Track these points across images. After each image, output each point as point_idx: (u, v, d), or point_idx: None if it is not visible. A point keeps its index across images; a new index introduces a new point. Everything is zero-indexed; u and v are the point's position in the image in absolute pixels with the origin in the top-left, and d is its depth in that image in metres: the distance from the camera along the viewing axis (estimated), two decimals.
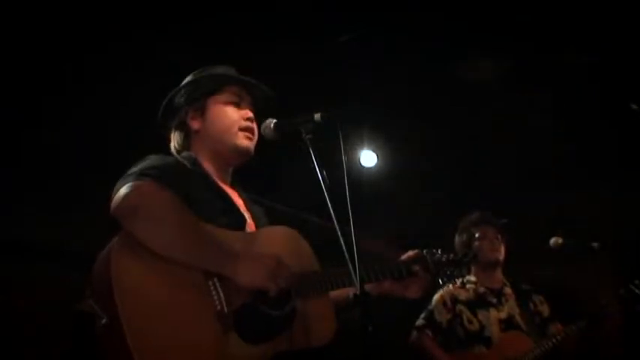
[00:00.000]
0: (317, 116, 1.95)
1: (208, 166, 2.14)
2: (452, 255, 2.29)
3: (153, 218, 1.73)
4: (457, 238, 3.73)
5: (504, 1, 3.99)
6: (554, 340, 3.25)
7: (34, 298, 4.40)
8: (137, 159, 1.99)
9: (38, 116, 4.31)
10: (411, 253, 2.23)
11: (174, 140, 2.22)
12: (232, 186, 2.22)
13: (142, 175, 1.83)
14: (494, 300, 3.53)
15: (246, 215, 2.11)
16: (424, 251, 2.25)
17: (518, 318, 3.47)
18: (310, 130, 1.94)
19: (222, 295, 1.75)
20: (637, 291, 3.18)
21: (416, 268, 2.18)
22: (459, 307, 3.51)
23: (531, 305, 3.56)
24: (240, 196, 2.21)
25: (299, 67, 4.35)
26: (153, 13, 3.83)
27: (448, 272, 2.27)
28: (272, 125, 2.08)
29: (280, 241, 1.98)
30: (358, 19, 4.14)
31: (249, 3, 3.90)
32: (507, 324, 3.44)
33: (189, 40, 4.05)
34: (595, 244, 3.42)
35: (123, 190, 1.76)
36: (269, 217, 2.26)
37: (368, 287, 2.08)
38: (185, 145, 2.20)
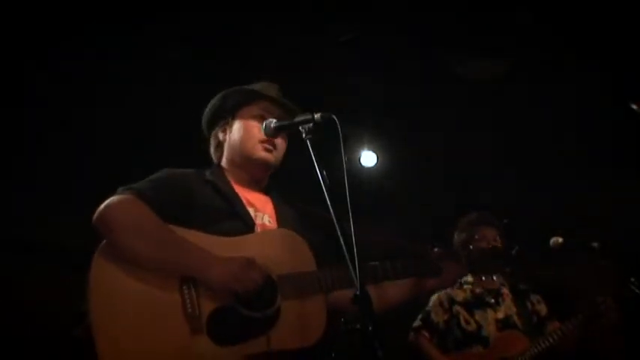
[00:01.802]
0: (317, 116, 1.94)
1: (234, 175, 2.22)
2: (495, 250, 2.33)
3: (123, 230, 1.84)
4: (456, 237, 3.72)
5: (504, 1, 4.00)
6: (550, 339, 3.25)
7: (34, 298, 4.40)
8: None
9: (38, 116, 4.31)
10: (440, 249, 2.29)
11: (210, 150, 2.34)
12: (266, 192, 2.28)
13: (127, 189, 1.94)
14: (492, 300, 3.52)
15: (266, 218, 2.15)
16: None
17: (515, 318, 3.46)
18: (310, 130, 1.94)
19: (194, 298, 1.81)
20: (637, 290, 3.18)
21: (446, 265, 2.23)
22: (456, 307, 3.51)
23: (529, 305, 3.56)
24: (273, 200, 2.25)
25: (299, 67, 4.35)
26: (153, 14, 3.83)
27: (489, 265, 2.30)
28: (272, 125, 2.09)
29: (274, 243, 2.00)
30: (358, 18, 4.14)
31: (250, 2, 3.91)
32: (504, 324, 3.43)
33: (189, 41, 4.05)
34: (595, 244, 3.42)
35: (104, 203, 1.89)
36: (304, 220, 2.28)
37: (409, 288, 2.21)
38: (216, 155, 2.31)
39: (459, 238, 3.69)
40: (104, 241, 1.84)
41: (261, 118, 2.20)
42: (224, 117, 2.29)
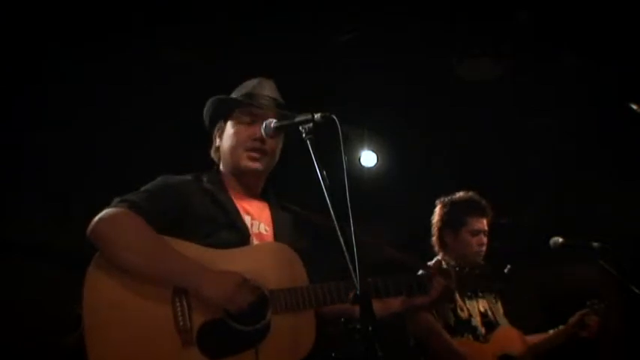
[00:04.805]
0: (317, 116, 1.94)
1: (231, 181, 2.20)
2: (485, 269, 2.27)
3: (115, 244, 1.85)
4: (441, 214, 3.55)
5: (504, 1, 4.00)
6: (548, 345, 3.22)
7: (34, 298, 4.40)
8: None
9: (39, 117, 4.31)
10: (433, 264, 2.21)
11: (212, 147, 2.30)
12: (263, 197, 2.26)
13: (121, 201, 1.95)
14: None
15: (262, 227, 2.14)
16: (451, 266, 2.24)
17: (489, 313, 3.37)
18: (310, 130, 1.93)
19: (186, 310, 1.83)
20: (637, 291, 3.17)
21: (435, 282, 2.14)
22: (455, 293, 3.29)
23: (493, 301, 3.49)
24: (270, 206, 2.24)
25: (299, 67, 4.34)
26: (153, 14, 3.83)
27: (479, 286, 2.25)
28: (272, 125, 2.08)
29: (266, 258, 2.01)
30: (358, 18, 4.14)
31: (250, 3, 3.90)
32: (485, 317, 3.34)
33: (189, 41, 4.05)
34: (595, 244, 3.41)
35: (98, 216, 1.90)
36: (299, 226, 2.27)
37: (387, 307, 2.15)
38: (215, 156, 2.29)
39: (446, 219, 3.49)
40: (98, 252, 1.86)
41: (250, 123, 2.17)
42: (218, 120, 2.26)
